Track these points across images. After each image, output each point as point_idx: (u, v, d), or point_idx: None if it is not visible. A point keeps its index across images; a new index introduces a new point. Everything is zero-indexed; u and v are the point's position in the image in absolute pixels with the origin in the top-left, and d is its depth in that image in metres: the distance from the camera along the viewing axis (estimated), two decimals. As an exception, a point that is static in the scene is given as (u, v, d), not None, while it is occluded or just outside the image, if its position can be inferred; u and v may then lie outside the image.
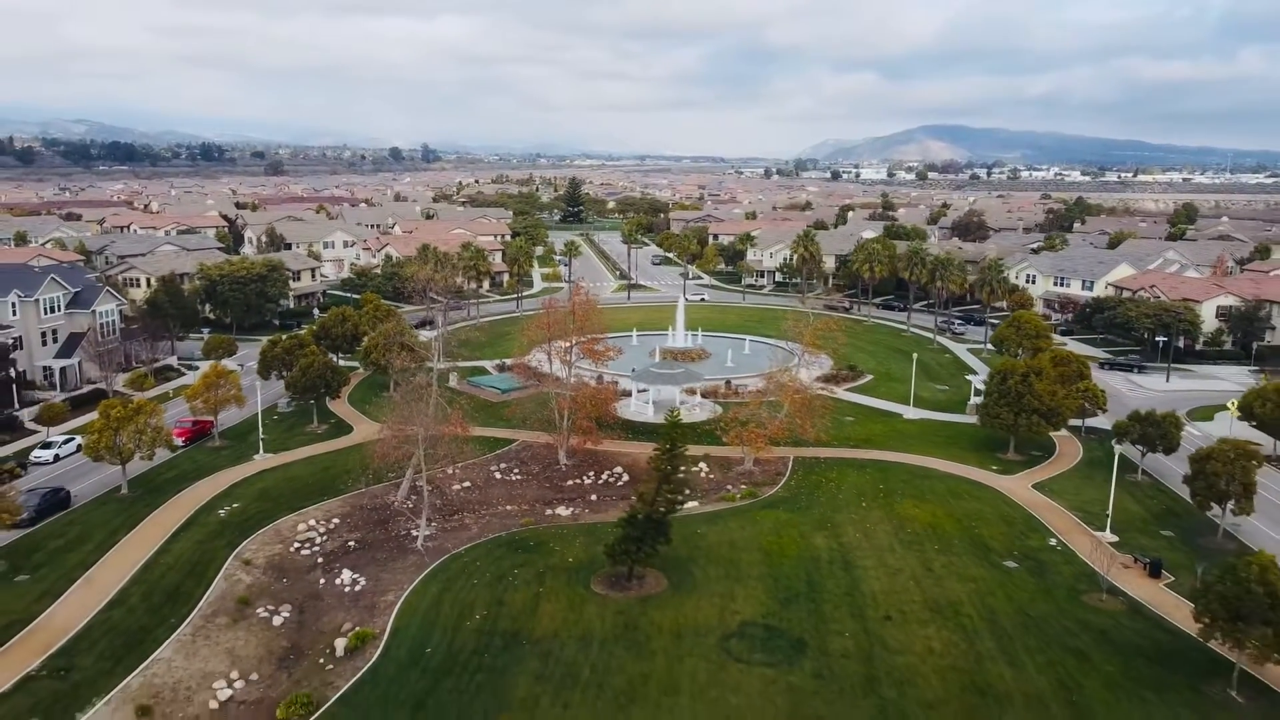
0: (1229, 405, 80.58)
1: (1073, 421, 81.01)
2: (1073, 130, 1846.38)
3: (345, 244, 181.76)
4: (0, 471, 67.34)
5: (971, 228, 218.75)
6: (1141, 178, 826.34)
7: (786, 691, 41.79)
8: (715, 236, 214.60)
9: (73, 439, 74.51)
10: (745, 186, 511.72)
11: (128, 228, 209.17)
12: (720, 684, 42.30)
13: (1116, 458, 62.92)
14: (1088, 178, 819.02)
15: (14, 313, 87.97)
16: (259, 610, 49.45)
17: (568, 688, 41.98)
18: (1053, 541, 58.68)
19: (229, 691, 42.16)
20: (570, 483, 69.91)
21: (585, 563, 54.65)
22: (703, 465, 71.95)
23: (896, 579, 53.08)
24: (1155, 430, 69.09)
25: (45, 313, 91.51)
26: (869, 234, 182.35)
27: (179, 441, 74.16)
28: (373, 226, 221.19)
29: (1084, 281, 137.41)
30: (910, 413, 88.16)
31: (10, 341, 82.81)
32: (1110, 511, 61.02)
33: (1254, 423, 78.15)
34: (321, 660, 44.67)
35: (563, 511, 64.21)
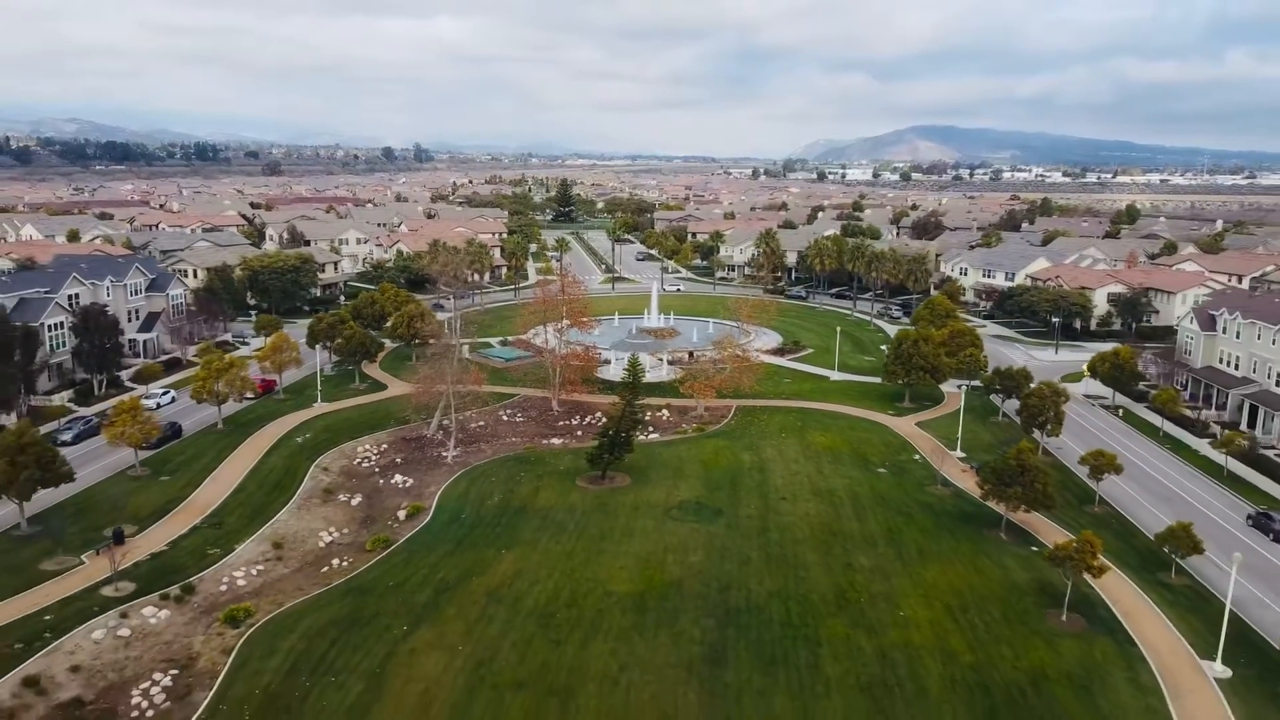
0: (1084, 369, 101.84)
1: (965, 382, 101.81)
2: (1063, 131, 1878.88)
3: (359, 240, 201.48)
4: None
5: (929, 226, 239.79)
6: (1121, 179, 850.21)
7: (705, 535, 62.49)
8: (694, 235, 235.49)
9: (168, 391, 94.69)
10: (730, 187, 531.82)
11: (157, 226, 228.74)
12: (661, 532, 62.98)
13: (963, 397, 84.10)
14: (1069, 179, 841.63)
15: (108, 295, 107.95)
16: (340, 496, 70.04)
17: (559, 533, 62.65)
18: (916, 457, 79.63)
19: (330, 538, 62.75)
20: (561, 424, 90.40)
21: (572, 470, 75.19)
22: (665, 411, 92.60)
23: (795, 478, 73.86)
24: (1010, 382, 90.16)
25: (131, 295, 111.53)
26: (830, 232, 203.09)
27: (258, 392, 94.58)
28: (380, 225, 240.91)
29: (1007, 273, 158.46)
30: (835, 375, 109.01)
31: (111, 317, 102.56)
32: (960, 436, 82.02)
33: (1103, 381, 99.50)
34: (390, 522, 65.25)
35: (556, 441, 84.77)
